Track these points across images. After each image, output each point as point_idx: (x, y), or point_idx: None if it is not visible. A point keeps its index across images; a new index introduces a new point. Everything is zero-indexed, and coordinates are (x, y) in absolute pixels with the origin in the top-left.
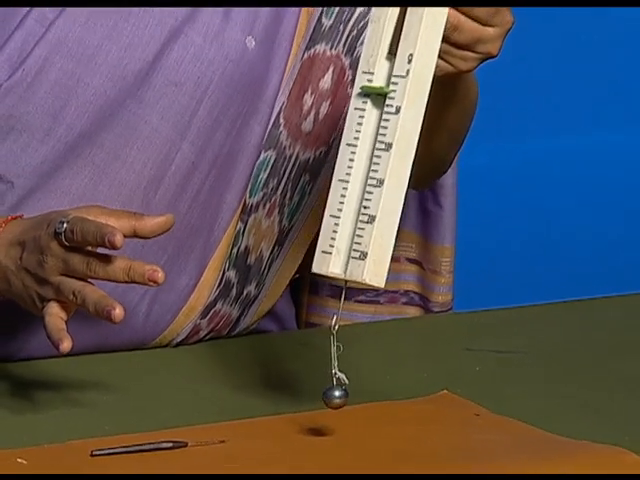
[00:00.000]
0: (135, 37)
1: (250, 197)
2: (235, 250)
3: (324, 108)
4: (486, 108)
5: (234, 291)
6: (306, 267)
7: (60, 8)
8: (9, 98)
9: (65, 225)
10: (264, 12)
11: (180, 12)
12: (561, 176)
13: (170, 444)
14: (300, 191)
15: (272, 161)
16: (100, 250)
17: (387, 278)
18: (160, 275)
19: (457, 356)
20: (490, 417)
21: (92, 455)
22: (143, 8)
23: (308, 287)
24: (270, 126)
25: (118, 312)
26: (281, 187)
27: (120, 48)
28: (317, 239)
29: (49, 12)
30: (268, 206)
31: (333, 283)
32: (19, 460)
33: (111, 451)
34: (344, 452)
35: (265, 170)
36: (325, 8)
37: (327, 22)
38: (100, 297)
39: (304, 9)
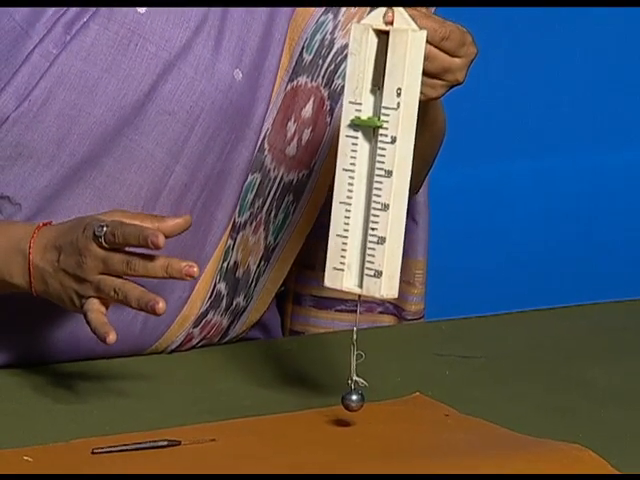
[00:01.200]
0: (132, 70)
1: (239, 216)
2: (225, 264)
3: (306, 135)
4: (457, 132)
5: (224, 302)
6: (290, 280)
7: (62, 44)
8: (17, 127)
9: (105, 228)
10: (251, 46)
11: (174, 47)
12: (523, 195)
13: (165, 442)
14: (284, 210)
15: (258, 183)
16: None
17: None
18: (196, 270)
19: (428, 361)
20: (459, 417)
21: (93, 453)
22: (139, 44)
23: (292, 298)
24: (256, 151)
25: (161, 305)
26: (266, 206)
27: (118, 80)
28: (300, 256)
29: (53, 48)
30: (254, 224)
31: (315, 294)
32: (25, 458)
33: (111, 449)
34: (322, 450)
35: (252, 191)
36: (306, 44)
37: (308, 57)
38: (142, 293)
39: (287, 45)
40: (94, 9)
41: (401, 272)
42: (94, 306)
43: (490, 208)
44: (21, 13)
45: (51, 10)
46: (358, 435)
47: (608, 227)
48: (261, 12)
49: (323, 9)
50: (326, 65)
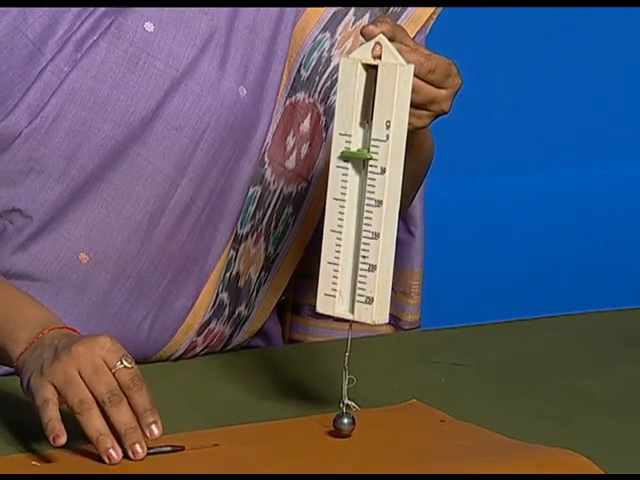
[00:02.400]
0: (140, 87)
1: (241, 228)
2: (228, 275)
3: (304, 149)
4: (454, 146)
5: (227, 311)
6: (290, 290)
7: (73, 61)
8: (29, 143)
9: (131, 365)
10: (255, 64)
11: (181, 64)
12: (516, 208)
13: (169, 448)
14: (284, 222)
15: (258, 195)
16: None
17: None
18: (141, 454)
19: (424, 369)
20: (454, 423)
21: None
22: (148, 62)
23: (291, 308)
24: (257, 164)
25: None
26: (266, 218)
27: (127, 97)
28: (299, 266)
29: (64, 65)
30: (255, 235)
31: (313, 304)
32: (34, 463)
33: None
34: (321, 455)
35: (253, 203)
36: (303, 61)
37: (305, 74)
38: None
39: (286, 62)
40: (104, 28)
41: (398, 283)
42: (54, 399)
43: (485, 220)
44: (33, 30)
45: (63, 29)
46: (355, 441)
47: (599, 239)
48: (265, 30)
49: (321, 28)
50: (322, 82)
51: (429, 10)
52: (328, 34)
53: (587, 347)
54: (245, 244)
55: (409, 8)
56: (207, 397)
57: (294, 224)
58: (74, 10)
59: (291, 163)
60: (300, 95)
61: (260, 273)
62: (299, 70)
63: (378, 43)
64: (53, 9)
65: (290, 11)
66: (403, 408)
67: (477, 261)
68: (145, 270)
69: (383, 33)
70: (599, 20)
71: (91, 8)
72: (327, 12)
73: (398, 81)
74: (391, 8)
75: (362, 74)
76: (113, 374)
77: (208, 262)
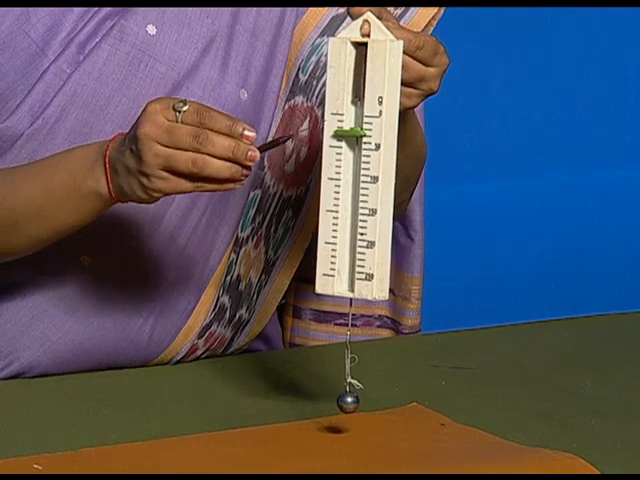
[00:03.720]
0: (142, 89)
1: (241, 231)
2: (228, 278)
3: (303, 152)
4: (453, 151)
5: (227, 314)
6: (290, 294)
7: (76, 63)
8: (30, 144)
9: (188, 106)
10: (256, 67)
11: (182, 67)
12: (516, 212)
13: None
14: (284, 225)
15: (258, 199)
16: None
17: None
18: (258, 155)
19: (424, 372)
20: (454, 426)
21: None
22: (150, 64)
23: (292, 312)
24: (256, 168)
25: (257, 154)
26: (266, 221)
27: (129, 99)
28: (299, 270)
29: (66, 67)
30: (255, 239)
31: (314, 308)
32: (35, 466)
33: None
34: (321, 457)
35: (253, 207)
36: (301, 65)
37: (303, 78)
38: (229, 142)
39: (287, 65)
40: (106, 30)
41: (398, 288)
42: (180, 179)
43: (485, 224)
44: (36, 31)
45: (65, 30)
46: (356, 444)
47: (599, 243)
48: (266, 34)
49: (319, 32)
50: (320, 86)
51: (428, 16)
52: (326, 39)
53: (587, 350)
54: (246, 247)
55: (407, 14)
56: (208, 400)
57: (294, 227)
58: (77, 12)
59: (290, 166)
60: (298, 99)
61: (260, 276)
62: (297, 74)
63: (366, 21)
64: (56, 10)
65: (290, 15)
66: (404, 411)
67: (477, 265)
68: (145, 273)
69: (370, 11)
70: (598, 23)
71: (94, 10)
72: (325, 17)
73: (389, 56)
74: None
75: (352, 52)
76: (182, 123)
77: (209, 265)
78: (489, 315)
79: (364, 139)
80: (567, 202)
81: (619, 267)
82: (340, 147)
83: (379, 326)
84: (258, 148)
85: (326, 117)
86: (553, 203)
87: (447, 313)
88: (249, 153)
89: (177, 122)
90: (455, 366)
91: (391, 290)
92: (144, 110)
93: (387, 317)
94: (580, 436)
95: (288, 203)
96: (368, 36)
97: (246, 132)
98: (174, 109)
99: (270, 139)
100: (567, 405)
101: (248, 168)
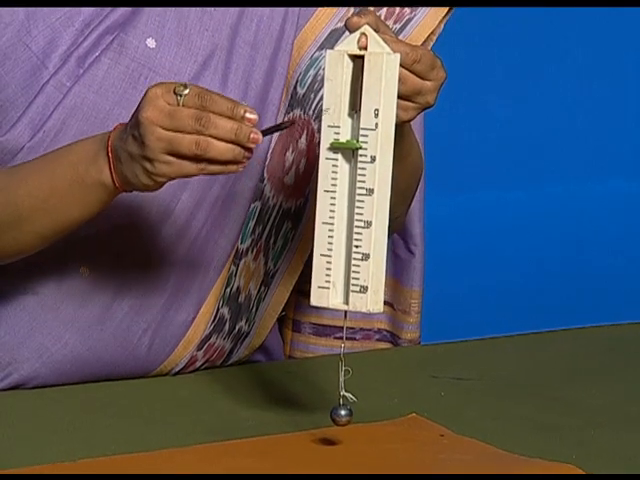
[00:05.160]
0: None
1: (241, 243)
2: (228, 290)
3: (302, 165)
4: (447, 163)
5: (227, 326)
6: (290, 308)
7: (76, 77)
8: (31, 157)
9: (189, 89)
10: (256, 80)
11: (182, 80)
12: (516, 223)
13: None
14: (283, 237)
15: (258, 210)
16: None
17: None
18: (260, 137)
19: (424, 383)
20: (453, 437)
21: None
22: (149, 77)
23: (291, 326)
24: (257, 180)
25: (259, 137)
26: (266, 233)
27: (129, 112)
28: (298, 284)
29: (66, 80)
30: (255, 250)
31: (314, 322)
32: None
33: None
34: (320, 468)
35: (253, 218)
36: (299, 78)
37: (301, 91)
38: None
39: (286, 79)
40: (106, 44)
41: (397, 301)
42: (167, 159)
43: (484, 236)
44: (37, 44)
45: (66, 44)
46: (354, 454)
47: (598, 254)
48: (266, 47)
49: (317, 46)
50: (317, 99)
51: (427, 31)
52: (324, 52)
53: (587, 361)
54: (245, 259)
55: (407, 28)
56: (207, 412)
57: (293, 239)
58: (77, 25)
59: (290, 178)
60: (296, 112)
61: (260, 288)
62: (295, 87)
63: (364, 34)
64: (57, 24)
65: (290, 28)
66: (403, 422)
67: (476, 276)
68: (145, 284)
69: (368, 24)
70: (599, 33)
71: (94, 24)
72: (324, 30)
73: (385, 69)
74: (392, 23)
75: (349, 65)
76: (183, 106)
77: (209, 277)
78: (489, 326)
79: (360, 151)
80: (567, 213)
81: (619, 278)
82: (336, 159)
83: (378, 340)
84: (261, 131)
85: (322, 130)
86: (553, 214)
87: (446, 325)
88: (252, 135)
89: (178, 106)
90: (455, 377)
91: (390, 304)
92: (145, 95)
93: (386, 331)
94: (579, 447)
95: (287, 215)
96: (365, 49)
97: (248, 114)
98: (175, 93)
99: (270, 151)
100: (567, 416)
101: (250, 150)
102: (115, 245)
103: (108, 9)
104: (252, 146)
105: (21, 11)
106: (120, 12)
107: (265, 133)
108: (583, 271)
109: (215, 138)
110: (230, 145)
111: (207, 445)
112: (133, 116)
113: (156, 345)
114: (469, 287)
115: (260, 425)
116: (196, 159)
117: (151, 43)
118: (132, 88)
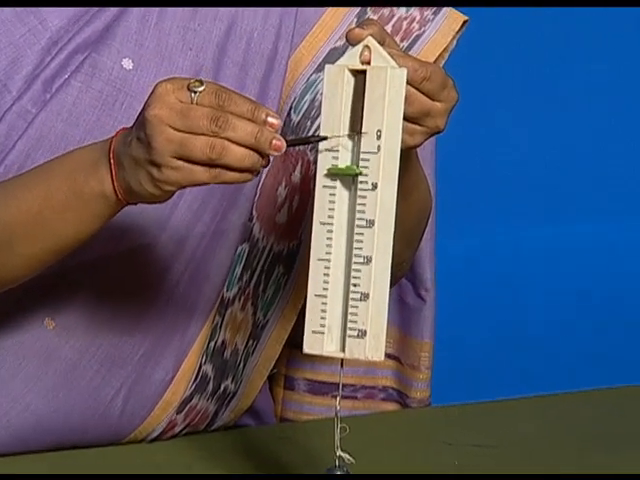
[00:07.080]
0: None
1: (227, 291)
2: (212, 344)
3: (296, 202)
4: (459, 200)
5: (211, 386)
6: (281, 362)
7: (42, 102)
8: None
9: (204, 86)
10: None
11: None
12: (534, 266)
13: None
14: (274, 283)
15: (246, 254)
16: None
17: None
18: (283, 145)
19: (436, 450)
20: None
21: None
22: (126, 103)
23: (284, 382)
24: (245, 219)
25: (281, 143)
26: (254, 279)
27: None
28: (292, 335)
29: (31, 107)
30: (242, 299)
31: (309, 378)
32: None
33: None
34: None
35: (240, 263)
36: (294, 104)
37: (295, 118)
38: (251, 128)
39: (279, 104)
40: (76, 65)
41: (405, 355)
42: (176, 164)
43: (500, 281)
44: None
45: (31, 64)
46: None
47: (624, 304)
48: (256, 69)
49: (315, 67)
50: (314, 128)
51: (439, 48)
52: (322, 75)
53: (610, 424)
54: (232, 309)
55: (416, 45)
56: None
57: (285, 286)
58: (44, 43)
59: (282, 217)
60: None
61: (248, 342)
62: (289, 114)
63: (367, 47)
64: (20, 41)
65: (284, 46)
66: None
67: (493, 327)
68: (118, 338)
69: (372, 36)
70: (628, 53)
71: (62, 43)
72: (323, 49)
73: (389, 85)
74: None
75: (350, 81)
76: (197, 105)
77: (190, 329)
78: (508, 386)
79: (360, 177)
80: (591, 255)
81: None
82: (334, 187)
83: (383, 399)
84: (285, 139)
85: (319, 154)
86: (576, 257)
87: (460, 384)
88: (274, 142)
89: (192, 104)
90: (470, 443)
91: (397, 358)
92: (153, 91)
93: (392, 388)
94: None
95: (279, 258)
96: (368, 63)
97: (270, 119)
98: (189, 89)
99: (260, 186)
100: None
101: (267, 160)
102: (84, 291)
103: (77, 26)
104: (274, 154)
105: None
106: (92, 29)
107: (290, 143)
108: (610, 321)
109: (232, 142)
110: (249, 150)
111: None
112: (139, 117)
113: (130, 407)
114: (485, 340)
115: None
116: (209, 165)
117: (127, 64)
118: (106, 115)
